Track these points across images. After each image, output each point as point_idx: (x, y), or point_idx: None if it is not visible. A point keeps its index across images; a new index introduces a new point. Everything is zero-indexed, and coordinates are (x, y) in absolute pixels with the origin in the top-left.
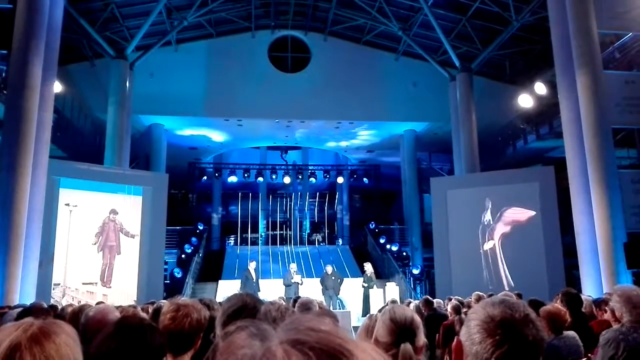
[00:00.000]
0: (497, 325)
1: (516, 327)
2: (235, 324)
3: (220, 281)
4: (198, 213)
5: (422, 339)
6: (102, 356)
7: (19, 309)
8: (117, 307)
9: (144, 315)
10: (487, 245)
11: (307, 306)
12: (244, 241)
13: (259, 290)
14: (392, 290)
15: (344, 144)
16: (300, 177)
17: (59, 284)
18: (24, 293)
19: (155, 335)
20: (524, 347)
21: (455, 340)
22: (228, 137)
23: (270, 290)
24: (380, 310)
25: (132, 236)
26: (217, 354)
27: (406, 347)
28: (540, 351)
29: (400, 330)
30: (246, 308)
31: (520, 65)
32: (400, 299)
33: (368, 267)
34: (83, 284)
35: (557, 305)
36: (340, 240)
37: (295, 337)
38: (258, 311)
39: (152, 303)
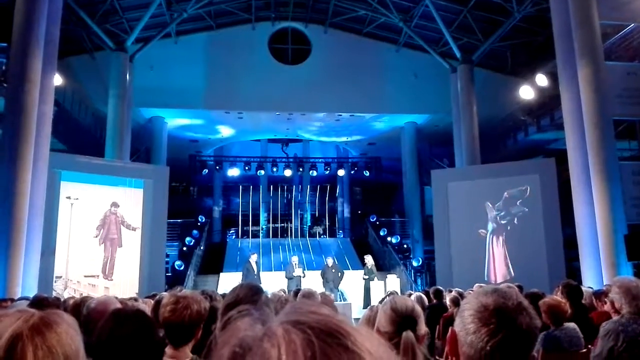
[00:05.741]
0: (491, 314)
1: (510, 315)
2: (238, 309)
3: (221, 273)
4: (199, 206)
5: (423, 327)
6: (101, 345)
7: (23, 301)
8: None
9: (144, 307)
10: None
11: (309, 297)
12: (245, 234)
13: (261, 283)
14: (393, 282)
15: (344, 138)
16: (301, 169)
17: (61, 277)
18: (26, 286)
19: (151, 324)
20: (518, 335)
21: (449, 330)
22: (229, 130)
23: (272, 283)
24: (381, 302)
25: (134, 229)
26: (219, 339)
27: (408, 334)
28: (535, 339)
29: (402, 319)
30: (245, 299)
31: (522, 56)
32: (400, 291)
33: (369, 260)
34: (85, 276)
35: (556, 297)
36: (341, 233)
37: (296, 319)
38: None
39: (154, 295)
